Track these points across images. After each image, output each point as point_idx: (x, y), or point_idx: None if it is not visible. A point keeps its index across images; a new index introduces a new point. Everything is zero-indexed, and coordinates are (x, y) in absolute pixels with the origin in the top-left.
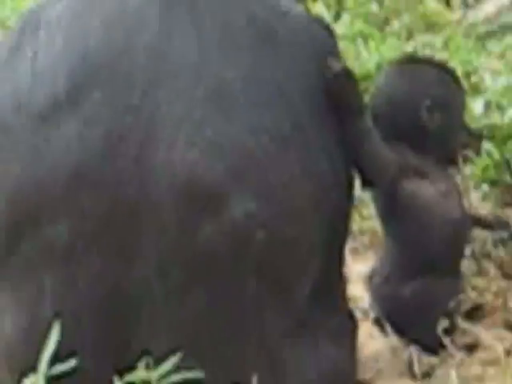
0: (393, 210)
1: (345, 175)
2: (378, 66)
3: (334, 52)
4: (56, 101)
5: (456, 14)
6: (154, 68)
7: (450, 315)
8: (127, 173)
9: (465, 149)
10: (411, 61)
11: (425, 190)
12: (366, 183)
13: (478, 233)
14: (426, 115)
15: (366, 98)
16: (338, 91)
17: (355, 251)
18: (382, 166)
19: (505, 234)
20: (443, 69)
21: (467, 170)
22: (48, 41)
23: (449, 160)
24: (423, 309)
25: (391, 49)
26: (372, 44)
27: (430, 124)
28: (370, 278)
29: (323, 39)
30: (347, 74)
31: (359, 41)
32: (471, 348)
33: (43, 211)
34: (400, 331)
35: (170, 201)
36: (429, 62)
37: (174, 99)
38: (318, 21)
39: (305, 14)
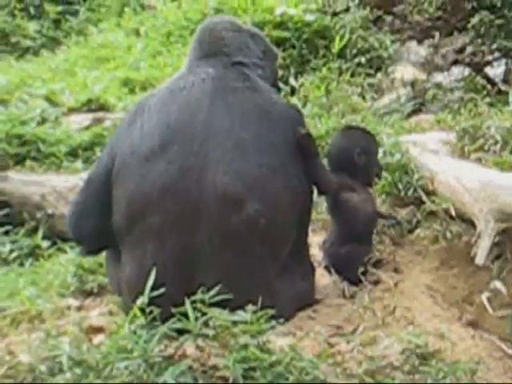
0: (335, 207)
1: (307, 188)
2: (327, 132)
3: (302, 124)
4: (153, 150)
5: (368, 104)
6: (206, 131)
7: (364, 265)
8: (192, 188)
9: (378, 177)
10: (347, 128)
11: (354, 198)
12: (320, 193)
13: (380, 221)
14: (357, 157)
15: (320, 149)
16: (303, 144)
17: (314, 230)
18: (328, 184)
19: (392, 221)
20: (366, 131)
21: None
22: (149, 118)
23: (369, 182)
24: (351, 261)
25: (334, 122)
26: (323, 120)
27: (359, 162)
28: (323, 244)
29: (296, 116)
30: (309, 135)
31: (316, 118)
32: (376, 282)
33: (146, 209)
34: (338, 273)
35: (215, 203)
36: (357, 128)
37: (216, 148)
38: (293, 106)
39: (285, 102)
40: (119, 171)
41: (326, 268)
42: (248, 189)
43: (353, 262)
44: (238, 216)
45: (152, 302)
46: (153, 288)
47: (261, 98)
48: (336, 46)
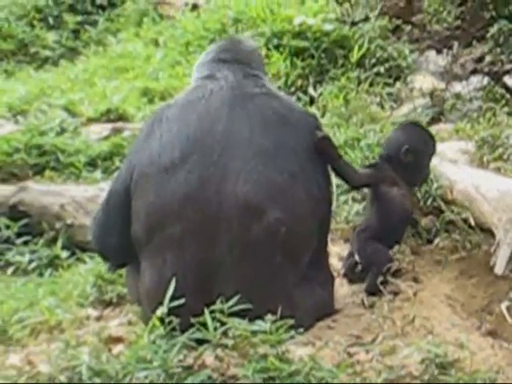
0: (375, 197)
1: (327, 196)
2: (345, 142)
3: (320, 128)
4: (173, 160)
5: (386, 113)
6: (225, 141)
7: (384, 274)
8: (212, 197)
9: (424, 183)
10: (409, 123)
11: (393, 191)
12: (352, 187)
13: None
14: (403, 154)
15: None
16: (323, 148)
17: (333, 240)
18: (357, 177)
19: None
20: (426, 132)
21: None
22: (168, 129)
23: (413, 183)
24: (373, 259)
25: (352, 132)
26: (342, 129)
27: (404, 159)
28: (358, 232)
29: (314, 122)
30: (328, 138)
31: (335, 128)
32: (395, 293)
33: (166, 218)
34: (361, 261)
35: (235, 212)
36: (419, 126)
37: (236, 157)
38: (310, 112)
39: (302, 108)
40: (138, 182)
41: (345, 275)
42: (269, 197)
43: (373, 266)
44: (258, 225)
45: (171, 312)
46: (172, 298)
47: (279, 103)
48: (355, 56)
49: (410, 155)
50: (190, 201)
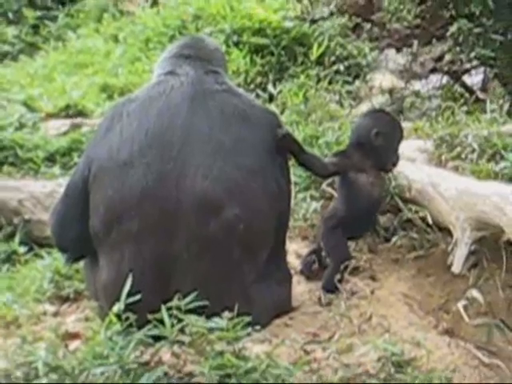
0: (342, 185)
1: (286, 193)
2: (304, 139)
3: (280, 125)
4: (132, 155)
5: (345, 111)
6: (185, 136)
7: (341, 272)
8: (170, 192)
9: (394, 166)
10: (375, 110)
11: (361, 178)
12: (320, 177)
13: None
14: (373, 137)
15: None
16: (286, 144)
17: (290, 237)
18: (324, 167)
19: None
20: (392, 117)
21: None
22: (129, 123)
23: (383, 167)
24: (334, 248)
25: (311, 130)
26: (300, 127)
27: (375, 143)
28: (324, 219)
29: (274, 119)
30: (288, 134)
31: (294, 125)
32: (352, 290)
33: (124, 213)
34: (324, 249)
35: (194, 208)
36: (385, 112)
37: (195, 153)
38: (270, 109)
39: (263, 106)
40: (97, 176)
41: (301, 273)
42: (228, 193)
43: (333, 255)
44: (216, 221)
45: (128, 308)
46: (129, 294)
47: (239, 101)
48: (315, 53)
49: (380, 138)
50: (148, 196)
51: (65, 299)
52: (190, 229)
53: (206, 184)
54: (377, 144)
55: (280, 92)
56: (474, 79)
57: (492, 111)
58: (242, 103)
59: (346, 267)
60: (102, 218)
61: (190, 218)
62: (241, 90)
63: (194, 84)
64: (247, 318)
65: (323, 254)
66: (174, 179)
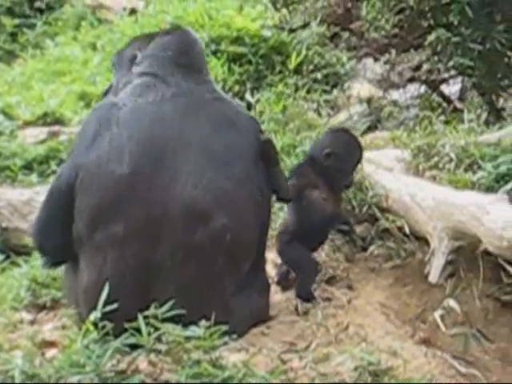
0: (295, 201)
1: (268, 201)
2: (281, 148)
3: (261, 131)
4: (122, 165)
5: (323, 120)
6: (176, 146)
7: (316, 282)
8: (159, 199)
9: (347, 188)
10: (339, 129)
11: (314, 194)
12: (278, 199)
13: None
14: (324, 157)
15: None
16: (265, 150)
17: (268, 247)
18: (287, 191)
19: (345, 228)
20: (353, 139)
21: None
22: (119, 133)
23: (333, 186)
24: (298, 269)
25: (289, 139)
26: (278, 136)
27: (324, 162)
28: (279, 234)
29: (257, 125)
30: (270, 141)
31: (272, 134)
32: (329, 299)
33: (110, 216)
34: (290, 286)
35: (181, 215)
36: (348, 133)
37: (186, 162)
38: (252, 116)
39: (246, 112)
40: (83, 182)
41: (278, 283)
42: (217, 203)
43: (301, 267)
44: (203, 230)
45: (106, 315)
46: (108, 300)
47: (227, 108)
48: (293, 62)
49: (332, 159)
50: (136, 200)
51: (42, 307)
52: (175, 236)
53: (196, 193)
54: (327, 164)
55: (258, 101)
56: (452, 89)
57: (470, 121)
58: (230, 111)
59: (316, 275)
60: (87, 221)
61: (176, 225)
62: (226, 96)
63: (186, 95)
64: (224, 327)
65: (284, 268)
66: (163, 186)
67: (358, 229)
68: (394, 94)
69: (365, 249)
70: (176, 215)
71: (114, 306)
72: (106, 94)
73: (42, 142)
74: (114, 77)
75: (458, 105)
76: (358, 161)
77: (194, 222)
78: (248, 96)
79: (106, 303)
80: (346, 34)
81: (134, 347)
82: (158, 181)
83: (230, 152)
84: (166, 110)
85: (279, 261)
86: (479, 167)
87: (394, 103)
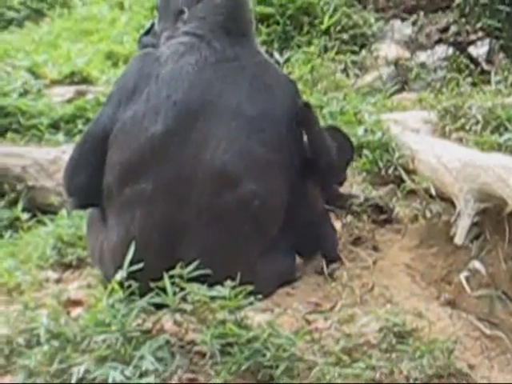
0: None
1: (298, 166)
2: None
3: (299, 95)
4: (156, 125)
5: (351, 81)
6: (212, 110)
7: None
8: (189, 160)
9: (340, 186)
10: (329, 127)
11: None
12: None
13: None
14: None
15: None
16: (304, 115)
17: None
18: (329, 153)
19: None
20: (341, 135)
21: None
22: (157, 91)
23: (328, 185)
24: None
25: (316, 99)
26: (305, 97)
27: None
28: None
29: (294, 89)
30: (307, 104)
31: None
32: (353, 259)
33: (141, 172)
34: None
35: (210, 178)
36: (335, 130)
37: (220, 126)
38: (290, 78)
39: (284, 74)
40: (117, 137)
41: None
42: (247, 169)
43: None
44: (231, 194)
45: (132, 274)
46: (134, 258)
47: (267, 73)
48: (325, 23)
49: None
50: (167, 160)
51: (67, 266)
52: (202, 198)
53: (227, 157)
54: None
55: (286, 61)
56: (480, 50)
57: (497, 83)
58: (269, 76)
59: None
60: (117, 176)
61: (204, 187)
62: (267, 59)
63: (229, 61)
64: (249, 287)
65: None
66: (195, 148)
67: (384, 190)
68: (422, 56)
69: (391, 211)
70: (205, 177)
71: (140, 265)
72: (146, 33)
73: (69, 101)
74: (157, 20)
75: (486, 67)
76: (349, 159)
77: (222, 186)
78: (276, 55)
79: (132, 262)
80: None
81: (159, 307)
82: (189, 142)
83: (264, 118)
84: (207, 75)
85: None
86: (506, 129)
87: (422, 65)
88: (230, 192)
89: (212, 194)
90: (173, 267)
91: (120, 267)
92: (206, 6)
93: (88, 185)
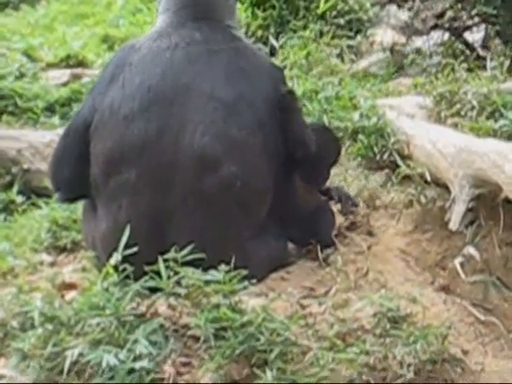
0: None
1: (283, 150)
2: (303, 93)
3: (284, 81)
4: (132, 111)
5: (346, 66)
6: (187, 94)
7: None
8: (168, 146)
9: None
10: (313, 125)
11: None
12: (298, 151)
13: (356, 184)
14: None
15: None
16: (286, 102)
17: None
18: (306, 144)
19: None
20: (329, 134)
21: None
22: (131, 78)
23: (311, 183)
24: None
25: (311, 84)
26: (300, 81)
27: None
28: None
29: (277, 75)
30: (291, 92)
31: (294, 79)
32: (348, 244)
33: (123, 163)
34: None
35: (190, 162)
36: (323, 128)
37: (196, 111)
38: (275, 65)
39: (268, 61)
40: (97, 128)
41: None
42: (225, 151)
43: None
44: (213, 177)
45: (125, 259)
46: (127, 245)
47: (244, 58)
48: (321, 8)
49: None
50: (147, 148)
51: (62, 249)
52: (186, 183)
53: (205, 140)
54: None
55: (282, 46)
56: (475, 36)
57: (492, 68)
58: (246, 60)
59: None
60: (101, 167)
61: (186, 172)
62: (248, 44)
63: (199, 44)
64: (244, 272)
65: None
66: (173, 133)
67: (379, 175)
68: (417, 41)
69: (385, 195)
70: (185, 162)
71: (134, 249)
72: None
73: (65, 84)
74: None
75: (481, 52)
76: (335, 159)
77: (204, 170)
78: (272, 40)
79: (125, 248)
80: None
81: (153, 290)
82: (167, 128)
83: (241, 102)
84: (178, 58)
85: None
86: (501, 115)
87: (417, 50)
88: (212, 175)
89: (194, 179)
90: (165, 252)
91: (111, 255)
92: None
93: (73, 178)
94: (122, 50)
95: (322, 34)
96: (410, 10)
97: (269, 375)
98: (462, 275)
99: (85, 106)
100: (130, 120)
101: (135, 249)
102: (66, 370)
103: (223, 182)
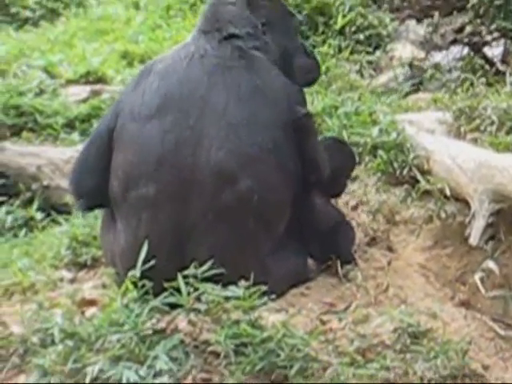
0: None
1: (300, 168)
2: (323, 109)
3: (301, 102)
4: (150, 118)
5: (366, 81)
6: (202, 108)
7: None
8: (187, 160)
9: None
10: (330, 138)
11: None
12: (310, 174)
13: (373, 199)
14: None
15: (317, 126)
16: (302, 124)
17: None
18: (320, 169)
19: None
20: (344, 147)
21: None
22: (151, 84)
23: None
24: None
25: (331, 100)
26: (320, 97)
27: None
28: None
29: (294, 95)
30: (308, 115)
31: (314, 95)
32: (367, 260)
33: (141, 178)
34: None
35: (208, 177)
36: (336, 141)
37: (210, 125)
38: (292, 84)
39: (284, 80)
40: (119, 133)
41: None
42: (240, 166)
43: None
44: (230, 192)
45: (144, 274)
46: (146, 260)
47: (257, 77)
48: (339, 23)
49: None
50: (166, 162)
51: (82, 266)
52: (205, 198)
53: (221, 155)
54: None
55: None
56: (495, 51)
57: None
58: (259, 79)
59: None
60: (120, 182)
61: (205, 187)
62: (261, 62)
63: (212, 58)
64: (263, 287)
65: None
66: (190, 147)
67: (399, 190)
68: (437, 56)
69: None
70: (203, 177)
71: (152, 263)
72: None
73: (84, 100)
74: None
75: (501, 67)
76: (351, 169)
77: (221, 184)
78: None
79: (143, 263)
80: None
81: (173, 306)
82: (185, 140)
83: (254, 120)
84: (194, 70)
85: None
86: None
87: (437, 65)
88: (229, 190)
89: (212, 194)
90: (184, 267)
91: (129, 270)
92: (203, 11)
93: (95, 187)
94: (153, 60)
95: (341, 49)
96: (429, 25)
97: None
98: (482, 290)
99: (109, 112)
100: (147, 129)
101: (153, 263)
102: None
103: (240, 196)
